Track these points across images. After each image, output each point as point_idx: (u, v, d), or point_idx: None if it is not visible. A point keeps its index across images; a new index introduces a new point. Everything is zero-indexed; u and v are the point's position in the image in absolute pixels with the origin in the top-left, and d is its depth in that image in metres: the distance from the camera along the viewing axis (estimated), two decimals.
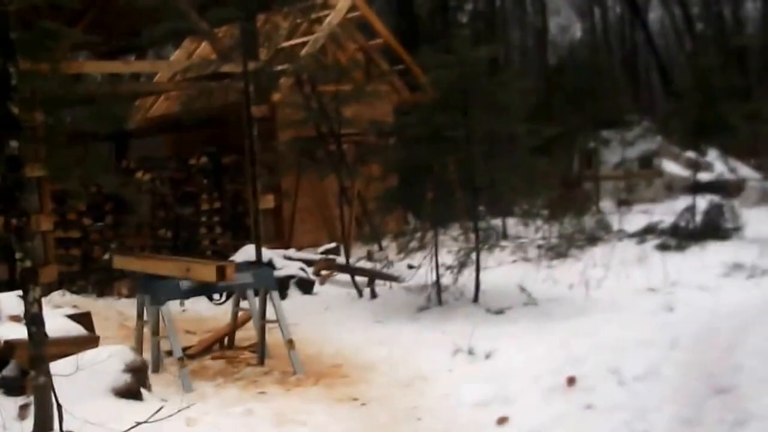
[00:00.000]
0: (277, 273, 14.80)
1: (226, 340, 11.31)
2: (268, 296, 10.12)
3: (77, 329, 9.09)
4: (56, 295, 15.67)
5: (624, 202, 24.97)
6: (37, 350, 7.00)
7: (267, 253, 16.29)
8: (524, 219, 12.99)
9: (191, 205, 18.58)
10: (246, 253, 16.24)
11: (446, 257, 13.01)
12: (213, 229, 18.75)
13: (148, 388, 8.60)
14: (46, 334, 7.08)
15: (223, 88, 18.07)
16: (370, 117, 17.61)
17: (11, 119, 6.79)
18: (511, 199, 13.15)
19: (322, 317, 12.69)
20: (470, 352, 9.65)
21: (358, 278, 14.98)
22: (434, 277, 12.65)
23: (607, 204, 24.98)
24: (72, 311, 10.46)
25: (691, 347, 9.11)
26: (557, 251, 13.87)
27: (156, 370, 9.90)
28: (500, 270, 13.55)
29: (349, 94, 16.46)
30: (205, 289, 9.72)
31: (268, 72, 18.40)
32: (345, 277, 15.16)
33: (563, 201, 22.08)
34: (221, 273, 9.16)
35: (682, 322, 10.12)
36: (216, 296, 10.14)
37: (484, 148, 12.51)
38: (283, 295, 14.28)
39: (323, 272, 15.52)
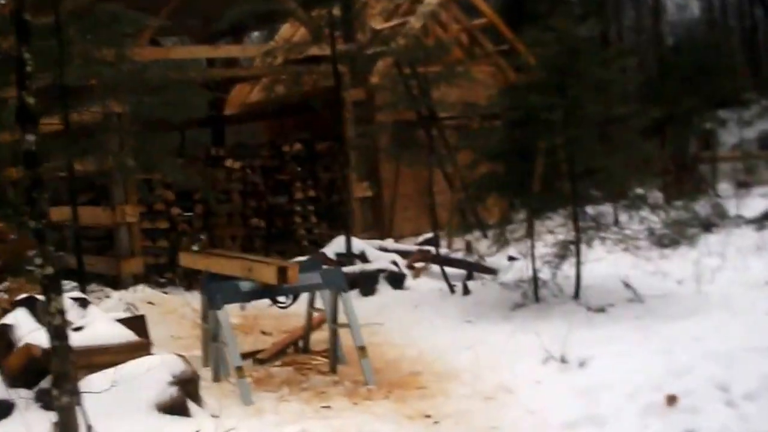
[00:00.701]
0: (366, 267, 13.99)
1: (301, 343, 10.51)
2: (339, 298, 9.26)
3: (127, 335, 8.33)
4: (130, 292, 15.13)
5: (742, 185, 23.48)
6: (62, 366, 6.23)
7: (360, 245, 15.50)
8: (630, 207, 11.79)
9: (284, 193, 17.83)
10: (338, 244, 15.45)
11: (547, 250, 11.96)
12: (308, 219, 17.97)
13: (199, 401, 7.82)
14: (71, 348, 6.30)
15: (314, 72, 17.30)
16: (474, 100, 16.66)
17: (26, 111, 6.04)
18: (616, 185, 11.97)
19: (410, 316, 11.77)
20: (563, 360, 8.63)
21: (454, 272, 14.09)
22: (531, 272, 11.64)
23: (724, 187, 23.53)
24: (124, 315, 9.71)
25: None
26: (669, 240, 12.66)
27: (217, 379, 9.13)
28: (605, 263, 12.42)
29: (445, 74, 15.57)
30: (268, 292, 8.89)
31: (363, 54, 17.62)
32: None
33: (678, 184, 20.84)
34: (282, 275, 8.34)
35: None
36: (282, 298, 9.26)
37: (584, 131, 11.41)
38: (372, 291, 13.51)
39: (417, 265, 14.58)
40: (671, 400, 7.01)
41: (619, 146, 11.89)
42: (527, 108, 11.48)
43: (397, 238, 18.11)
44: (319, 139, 18.21)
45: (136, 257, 16.33)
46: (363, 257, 15.34)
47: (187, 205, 17.15)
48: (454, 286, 12.88)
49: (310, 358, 10.05)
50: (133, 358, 7.77)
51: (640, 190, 12.20)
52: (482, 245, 14.62)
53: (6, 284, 12.29)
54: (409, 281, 13.94)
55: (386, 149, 18.02)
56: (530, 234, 11.62)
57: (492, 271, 14.01)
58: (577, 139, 11.31)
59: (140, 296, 13.81)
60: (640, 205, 11.71)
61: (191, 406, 7.56)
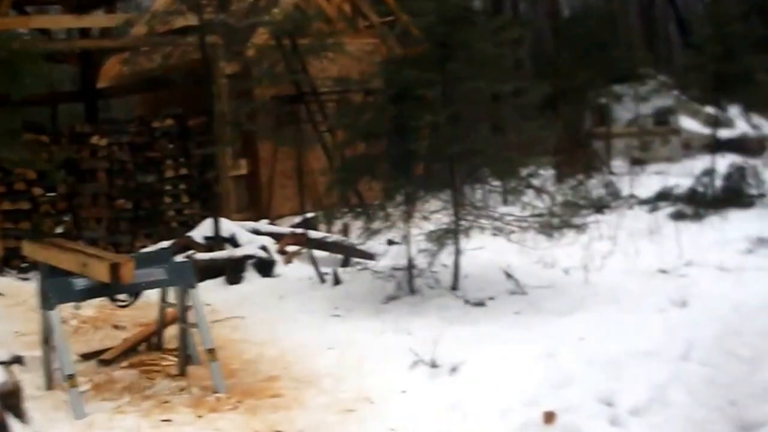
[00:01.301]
0: (233, 253, 13.03)
1: (155, 339, 9.51)
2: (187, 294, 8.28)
3: None
4: None
5: (637, 162, 23.03)
6: None
7: (231, 227, 14.51)
8: (514, 191, 10.99)
9: (154, 172, 16.73)
10: (208, 226, 14.44)
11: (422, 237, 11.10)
12: (179, 199, 16.88)
13: (23, 416, 6.82)
14: None
15: (181, 44, 16.16)
16: (358, 73, 15.72)
17: None
18: (502, 166, 11.15)
19: (275, 308, 10.81)
20: (433, 365, 7.79)
21: (332, 258, 13.24)
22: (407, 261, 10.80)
23: (618, 164, 23.05)
24: None
25: (707, 358, 7.27)
26: (557, 224, 11.88)
27: (50, 386, 8.11)
28: (489, 250, 11.64)
29: (316, 47, 14.62)
30: (105, 289, 7.83)
31: (237, 25, 16.54)
32: (323, 253, 13.42)
33: (571, 162, 20.24)
34: (115, 272, 7.34)
35: (696, 323, 8.24)
36: (124, 296, 8.26)
37: (465, 109, 10.59)
38: (238, 279, 12.61)
39: (289, 249, 13.64)
40: (549, 417, 6.20)
41: (506, 124, 11.10)
42: (403, 83, 10.62)
43: (275, 219, 17.14)
44: (193, 114, 17.10)
45: None
46: (233, 241, 14.38)
47: (50, 185, 16.00)
48: (326, 274, 11.97)
49: (160, 358, 9.04)
50: None
51: (527, 171, 11.37)
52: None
53: None
54: (280, 268, 12.98)
55: (261, 129, 16.96)
56: (407, 219, 10.76)
57: (369, 256, 13.16)
58: (456, 117, 10.46)
59: None
60: (523, 188, 10.90)
61: (14, 422, 6.57)
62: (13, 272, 15.36)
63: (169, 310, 9.20)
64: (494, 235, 10.80)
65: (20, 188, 15.67)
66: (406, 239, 10.75)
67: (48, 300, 7.63)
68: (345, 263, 13.34)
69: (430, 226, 10.90)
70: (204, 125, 16.82)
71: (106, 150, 16.27)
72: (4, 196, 15.49)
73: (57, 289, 7.66)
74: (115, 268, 7.32)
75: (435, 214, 10.96)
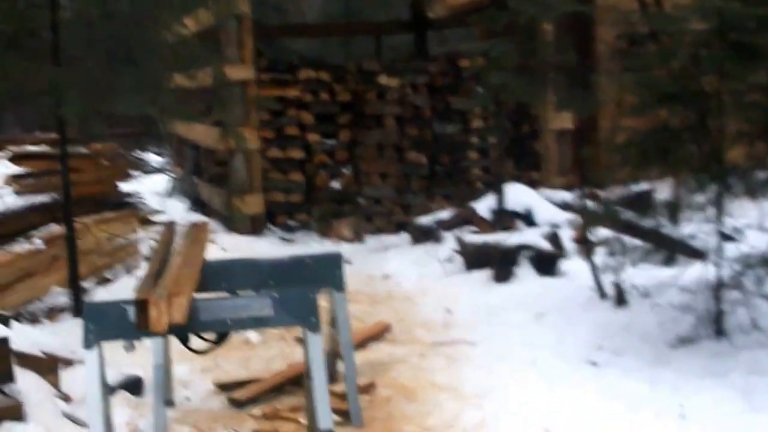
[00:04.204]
0: (504, 239, 9.89)
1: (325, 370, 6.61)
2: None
3: None
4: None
5: None
6: None
7: (528, 198, 11.47)
8: None
9: (457, 121, 13.81)
10: (509, 195, 11.42)
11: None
12: (487, 154, 13.89)
13: None
14: None
15: None
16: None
17: None
18: None
19: (521, 334, 7.51)
20: None
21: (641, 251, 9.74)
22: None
23: None
24: None
25: None
26: None
27: None
28: None
29: None
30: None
31: None
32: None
33: None
34: (141, 315, 4.48)
35: None
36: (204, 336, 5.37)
37: None
38: (507, 275, 9.44)
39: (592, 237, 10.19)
40: None
41: None
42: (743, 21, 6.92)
43: (605, 187, 13.70)
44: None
45: (254, 193, 12.91)
46: (528, 218, 11.28)
47: (328, 131, 13.57)
48: (604, 289, 8.36)
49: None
50: None
51: None
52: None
53: None
54: (568, 263, 9.65)
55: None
56: (719, 219, 7.15)
57: (698, 254, 9.49)
58: None
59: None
60: None
61: None
62: (277, 231, 13.14)
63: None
64: None
65: (292, 133, 13.33)
66: (717, 253, 7.15)
67: (86, 336, 4.91)
68: (668, 260, 9.71)
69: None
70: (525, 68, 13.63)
71: (397, 92, 13.54)
72: (273, 142, 13.22)
73: (100, 319, 4.92)
74: (142, 309, 4.46)
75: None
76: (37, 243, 9.17)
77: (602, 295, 8.22)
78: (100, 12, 8.17)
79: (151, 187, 17.46)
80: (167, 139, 19.03)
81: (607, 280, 8.13)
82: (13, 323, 6.23)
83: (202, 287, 5.31)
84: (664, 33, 8.72)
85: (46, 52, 7.77)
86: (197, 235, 6.02)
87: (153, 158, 22.64)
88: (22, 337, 5.93)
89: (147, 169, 20.88)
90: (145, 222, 12.40)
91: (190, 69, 11.30)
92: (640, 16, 11.78)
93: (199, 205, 15.03)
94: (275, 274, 5.82)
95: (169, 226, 6.38)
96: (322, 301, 5.50)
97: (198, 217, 14.40)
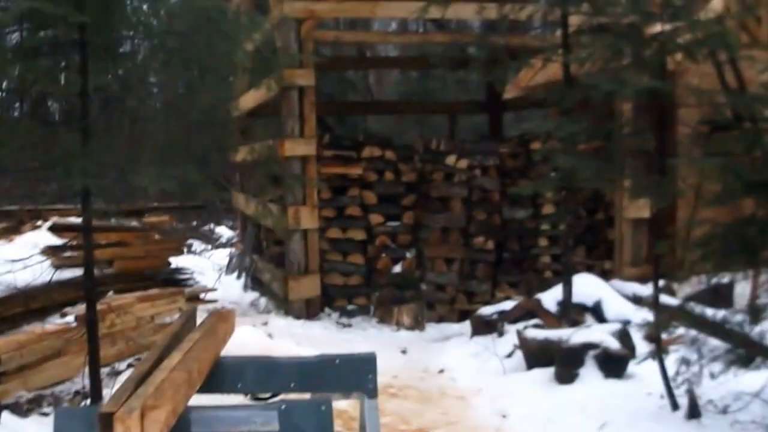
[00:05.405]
0: (568, 336, 9.11)
1: None
2: None
3: None
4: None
5: None
6: None
7: (598, 290, 10.71)
8: None
9: (527, 206, 13.12)
10: (578, 285, 10.66)
11: None
12: (557, 242, 13.14)
13: None
14: None
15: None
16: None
17: None
18: None
19: None
20: None
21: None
22: None
23: None
24: None
25: None
26: None
27: None
28: None
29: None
30: None
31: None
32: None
33: None
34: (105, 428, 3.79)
35: None
36: None
37: None
38: (571, 376, 8.62)
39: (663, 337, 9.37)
40: None
41: None
42: None
43: (683, 281, 12.85)
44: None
45: (310, 275, 12.32)
46: (597, 311, 10.51)
47: (392, 213, 12.98)
48: (676, 399, 7.49)
49: None
50: None
51: None
52: None
53: None
54: (639, 366, 8.81)
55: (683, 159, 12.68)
56: None
57: None
58: None
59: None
60: None
61: None
62: (334, 315, 12.53)
63: None
64: None
65: (354, 213, 12.76)
66: None
67: None
68: (747, 361, 8.89)
69: None
70: (598, 150, 12.92)
71: (466, 174, 12.92)
72: (333, 221, 12.66)
73: (67, 427, 4.20)
74: (106, 425, 3.76)
75: None
76: (69, 320, 8.65)
77: (674, 405, 7.39)
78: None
79: (218, 262, 16.98)
80: (216, 213, 18.63)
81: (682, 387, 7.31)
82: (4, 415, 5.63)
83: (213, 388, 4.67)
84: (750, 117, 8.05)
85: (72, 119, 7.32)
86: (214, 325, 5.36)
87: (226, 232, 22.25)
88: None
89: (215, 244, 20.50)
90: (193, 300, 11.84)
91: (246, 142, 10.81)
92: (725, 98, 11.12)
93: (257, 284, 14.51)
94: (299, 376, 5.14)
95: (188, 313, 5.76)
96: (351, 409, 4.80)
97: (251, 297, 13.95)
